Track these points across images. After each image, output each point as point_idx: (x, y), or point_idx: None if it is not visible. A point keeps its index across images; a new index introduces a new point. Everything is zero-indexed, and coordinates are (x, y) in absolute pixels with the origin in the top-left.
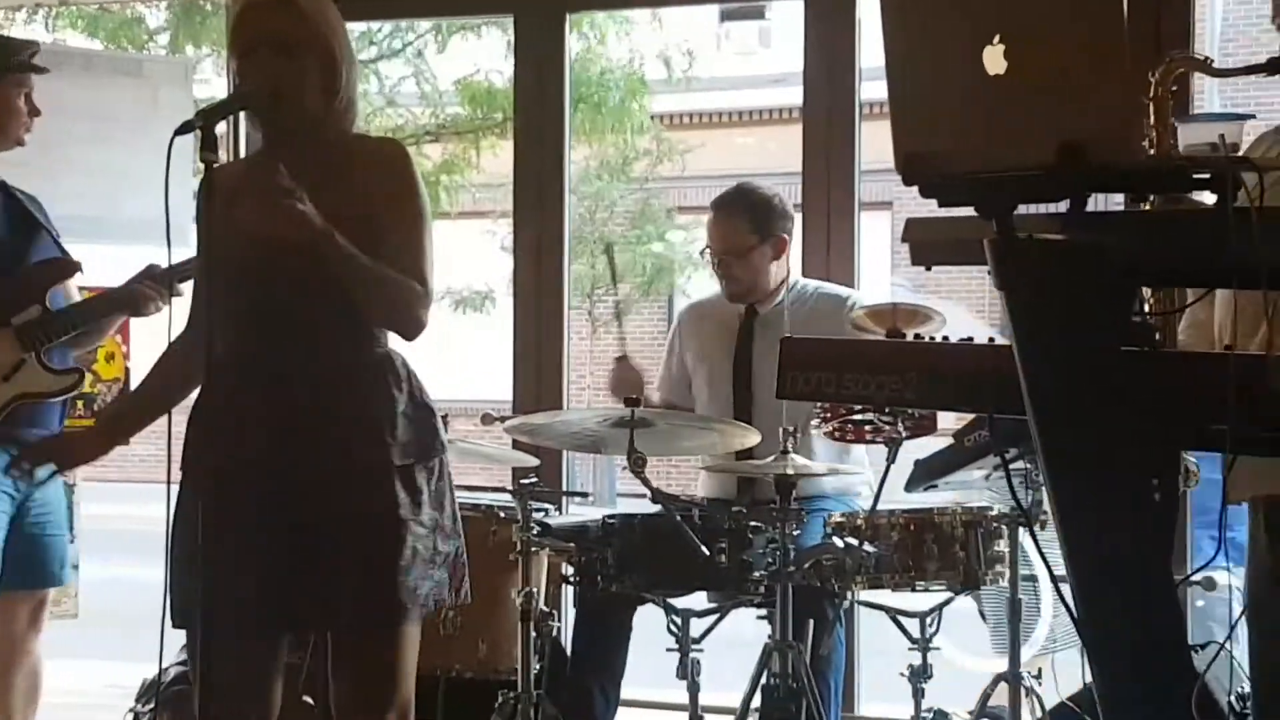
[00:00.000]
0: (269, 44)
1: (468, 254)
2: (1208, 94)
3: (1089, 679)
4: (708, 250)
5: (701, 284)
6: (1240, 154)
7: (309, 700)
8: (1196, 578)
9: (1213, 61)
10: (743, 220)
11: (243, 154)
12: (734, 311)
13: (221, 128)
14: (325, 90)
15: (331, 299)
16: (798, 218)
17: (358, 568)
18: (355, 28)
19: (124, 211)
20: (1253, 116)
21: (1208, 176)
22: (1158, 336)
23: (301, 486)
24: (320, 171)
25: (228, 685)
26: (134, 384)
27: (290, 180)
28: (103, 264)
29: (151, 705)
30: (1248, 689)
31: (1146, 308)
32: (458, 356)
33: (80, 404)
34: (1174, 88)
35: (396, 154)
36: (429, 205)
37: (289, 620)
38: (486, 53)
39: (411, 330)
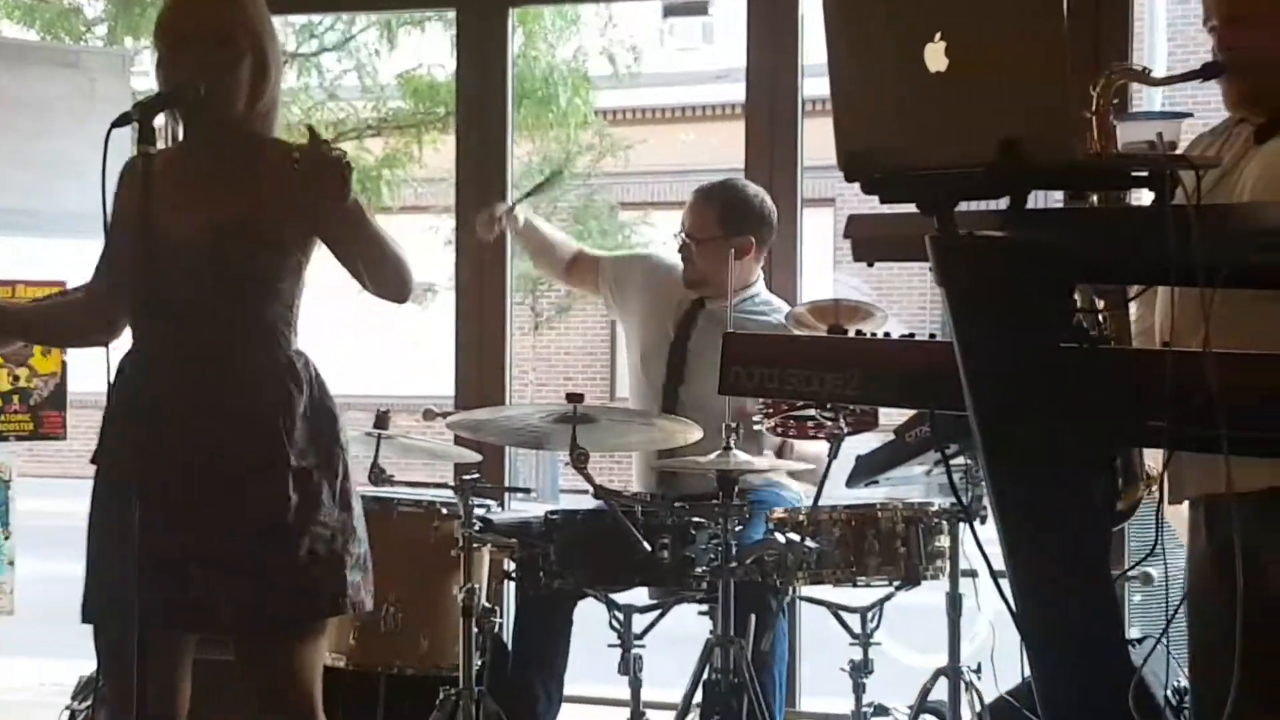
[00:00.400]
0: (204, 37)
1: (410, 249)
2: (1147, 91)
3: (1028, 673)
4: (680, 231)
5: None
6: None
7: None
8: (1134, 573)
9: (1150, 71)
10: (714, 210)
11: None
12: (685, 294)
13: (159, 120)
14: (254, 88)
15: (240, 299)
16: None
17: (251, 570)
18: (297, 20)
19: (60, 204)
20: (1190, 115)
21: (1146, 174)
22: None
23: (201, 486)
24: (247, 174)
25: (130, 683)
26: (70, 380)
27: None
28: (38, 256)
29: (88, 703)
30: (1184, 683)
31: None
32: (399, 352)
33: (17, 399)
34: (1115, 100)
35: (328, 155)
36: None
37: (186, 620)
38: (429, 47)
39: (406, 288)
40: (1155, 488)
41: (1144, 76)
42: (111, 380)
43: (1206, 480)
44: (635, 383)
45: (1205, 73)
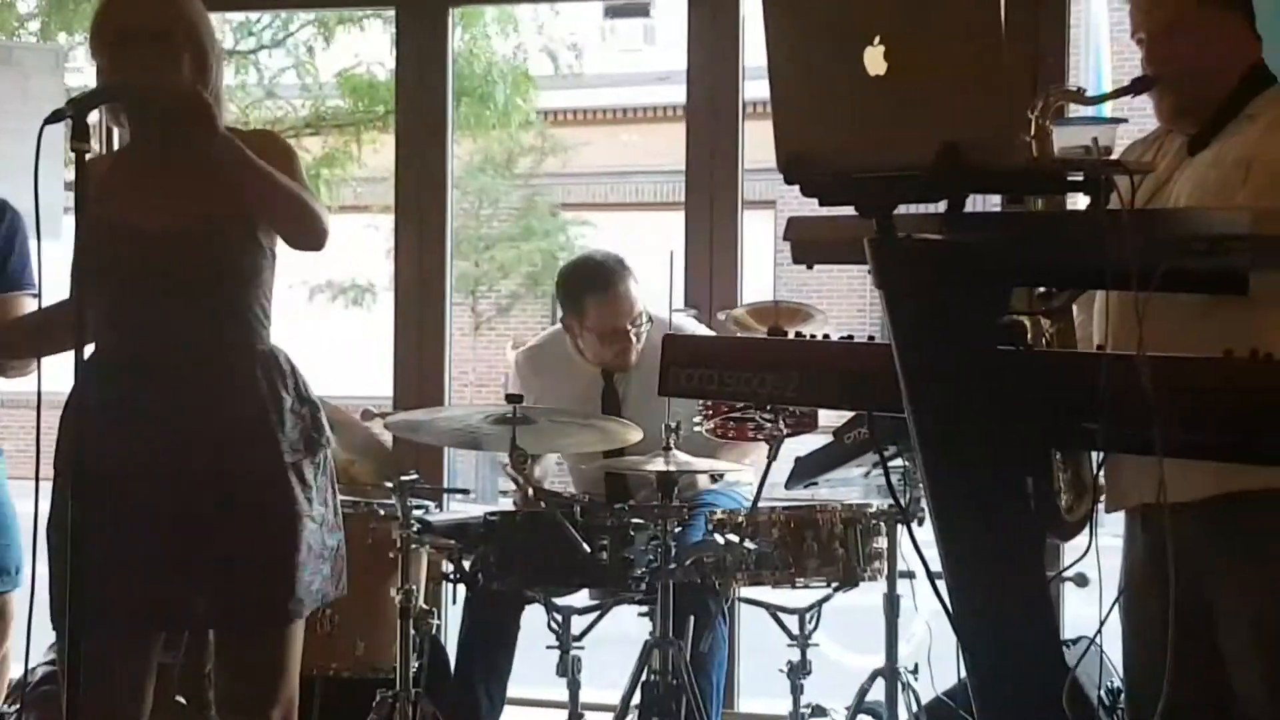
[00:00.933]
0: (144, 34)
1: (348, 249)
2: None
3: (964, 674)
4: (620, 329)
5: None
6: (1113, 157)
7: (182, 700)
8: (1069, 574)
9: (1085, 90)
10: (635, 284)
11: (115, 145)
12: (588, 370)
13: (94, 117)
14: (196, 83)
15: (212, 296)
16: (680, 215)
17: (254, 566)
18: (234, 17)
19: None
20: (1125, 120)
21: (1082, 179)
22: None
23: (190, 486)
24: (190, 167)
25: (103, 686)
26: None
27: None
28: None
29: (17, 706)
30: (1117, 683)
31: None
32: (338, 351)
33: None
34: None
35: (265, 140)
36: (304, 174)
37: (171, 619)
38: (368, 45)
39: (319, 237)
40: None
41: (1079, 96)
42: (74, 382)
43: (1147, 490)
44: None
45: (1135, 88)
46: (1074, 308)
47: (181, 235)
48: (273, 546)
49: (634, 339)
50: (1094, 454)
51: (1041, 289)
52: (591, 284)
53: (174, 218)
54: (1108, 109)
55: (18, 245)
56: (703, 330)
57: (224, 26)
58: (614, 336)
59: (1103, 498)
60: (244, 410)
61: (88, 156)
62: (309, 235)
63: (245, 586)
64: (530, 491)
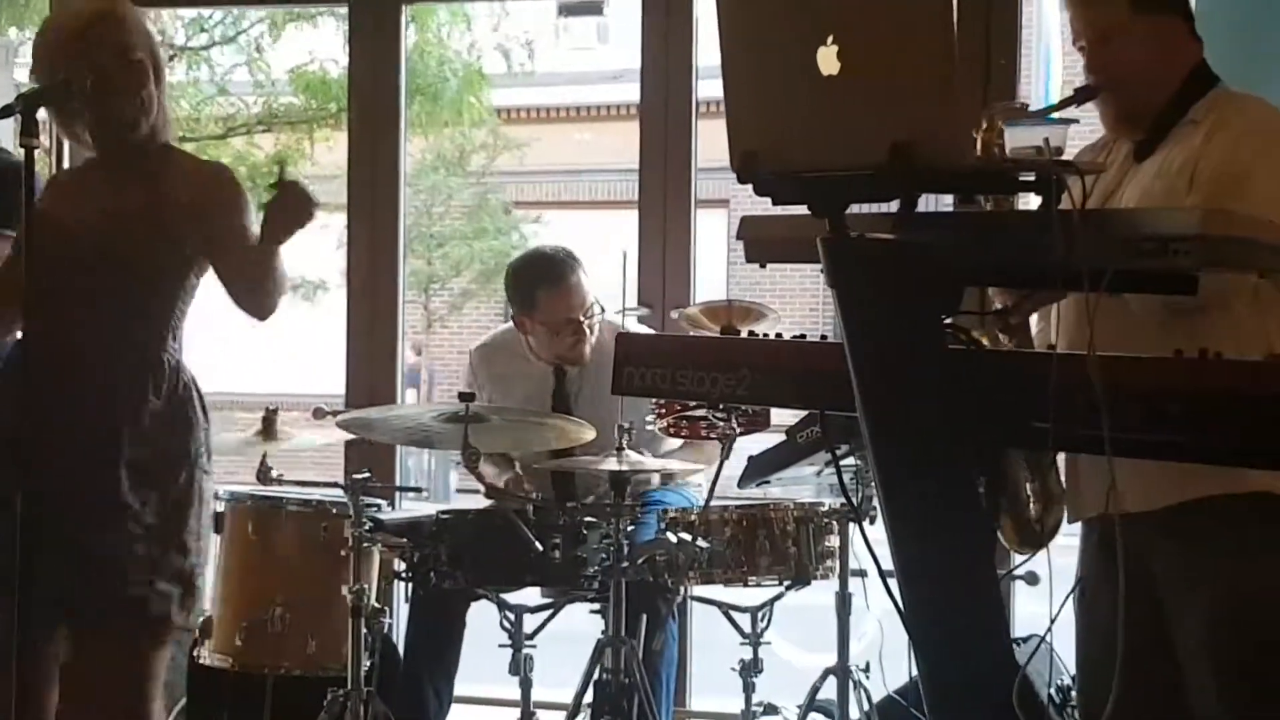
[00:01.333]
0: (108, 46)
1: (300, 246)
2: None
3: (915, 672)
4: (572, 321)
5: None
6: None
7: None
8: (1019, 572)
9: (1029, 105)
10: (585, 277)
11: (64, 142)
12: (540, 369)
13: (43, 113)
14: (150, 95)
15: (120, 295)
16: (634, 214)
17: (152, 568)
18: (186, 14)
19: None
20: (1076, 121)
21: (1033, 179)
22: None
23: (101, 485)
24: (146, 179)
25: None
26: None
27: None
28: None
29: None
30: (1067, 681)
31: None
32: (289, 349)
33: None
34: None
35: (224, 183)
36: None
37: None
38: (321, 42)
39: (272, 305)
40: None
41: (1022, 111)
42: None
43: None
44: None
45: (1079, 97)
46: (1033, 319)
47: (102, 234)
48: (169, 558)
49: (587, 330)
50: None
51: (999, 306)
52: (542, 277)
53: (102, 217)
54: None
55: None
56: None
57: (175, 23)
58: (566, 328)
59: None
60: (144, 420)
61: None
62: (259, 311)
63: (127, 590)
64: (483, 490)
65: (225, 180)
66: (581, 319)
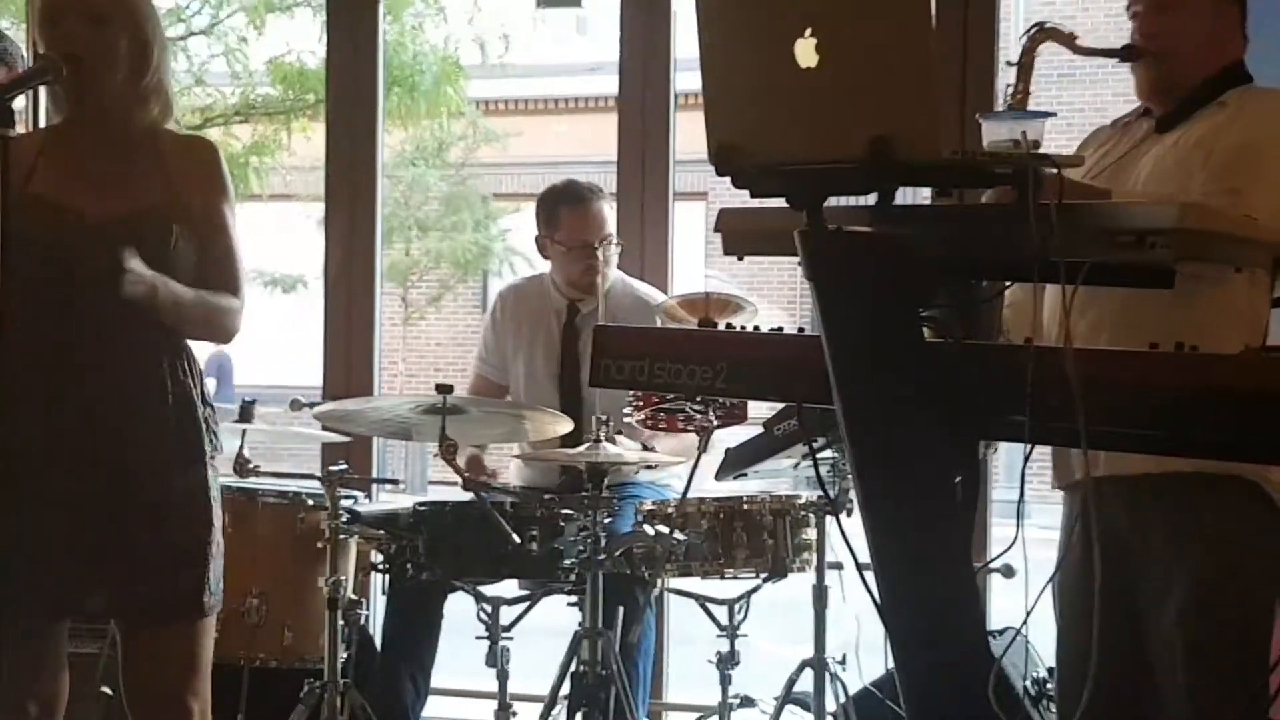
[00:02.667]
0: (78, 12)
1: (279, 237)
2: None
3: (892, 664)
4: (592, 244)
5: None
6: (1075, 151)
7: (107, 691)
8: (995, 565)
9: (1076, 38)
10: (607, 206)
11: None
12: (557, 304)
13: (20, 102)
14: (133, 69)
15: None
16: (612, 206)
17: (173, 558)
18: (163, 4)
19: None
20: (1054, 114)
21: (1010, 172)
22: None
23: (103, 474)
24: (126, 157)
25: (10, 671)
26: None
27: (135, 262)
28: None
29: None
30: (1042, 673)
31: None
32: (268, 341)
33: None
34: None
35: (207, 151)
36: (236, 203)
37: (81, 606)
38: (299, 33)
39: (227, 340)
40: (991, 451)
41: (1069, 41)
42: None
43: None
44: (523, 397)
45: (1125, 53)
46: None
47: (112, 224)
48: (193, 540)
49: (600, 259)
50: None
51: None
52: (568, 197)
53: (106, 205)
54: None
55: None
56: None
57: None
58: (581, 252)
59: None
60: (168, 403)
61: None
62: (217, 341)
63: (161, 578)
64: (460, 482)
65: (201, 155)
66: (596, 245)
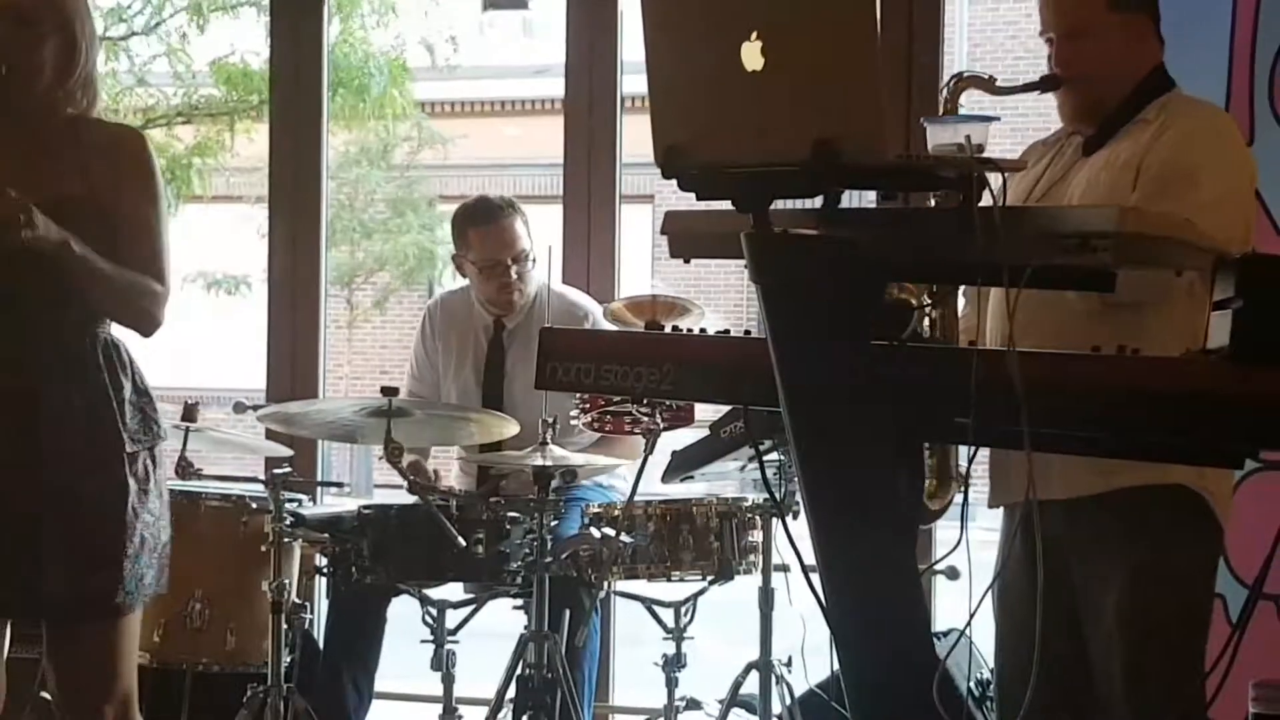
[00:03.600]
0: (4, 16)
1: (222, 239)
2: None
3: (837, 666)
4: (501, 264)
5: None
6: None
7: (46, 697)
8: (940, 566)
9: (996, 80)
10: (520, 223)
11: None
12: (484, 320)
13: None
14: (61, 68)
15: (54, 284)
16: (558, 209)
17: (85, 557)
18: (104, 3)
19: None
20: (998, 119)
21: (954, 176)
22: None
23: (22, 473)
24: (48, 150)
25: None
26: None
27: (19, 198)
28: None
29: None
30: (987, 675)
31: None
32: (209, 342)
33: None
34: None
35: (133, 141)
36: (165, 194)
37: (10, 607)
38: (242, 33)
39: (149, 329)
40: (960, 488)
41: (989, 85)
42: None
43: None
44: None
45: (1044, 85)
46: (960, 298)
47: (49, 216)
48: (105, 538)
49: (515, 276)
50: (966, 448)
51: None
52: (475, 217)
53: (43, 199)
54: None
55: None
56: (595, 310)
57: (94, 12)
58: (493, 271)
59: (984, 492)
60: (83, 397)
61: None
62: (139, 329)
63: (75, 578)
64: (406, 485)
65: (137, 145)
66: (509, 263)
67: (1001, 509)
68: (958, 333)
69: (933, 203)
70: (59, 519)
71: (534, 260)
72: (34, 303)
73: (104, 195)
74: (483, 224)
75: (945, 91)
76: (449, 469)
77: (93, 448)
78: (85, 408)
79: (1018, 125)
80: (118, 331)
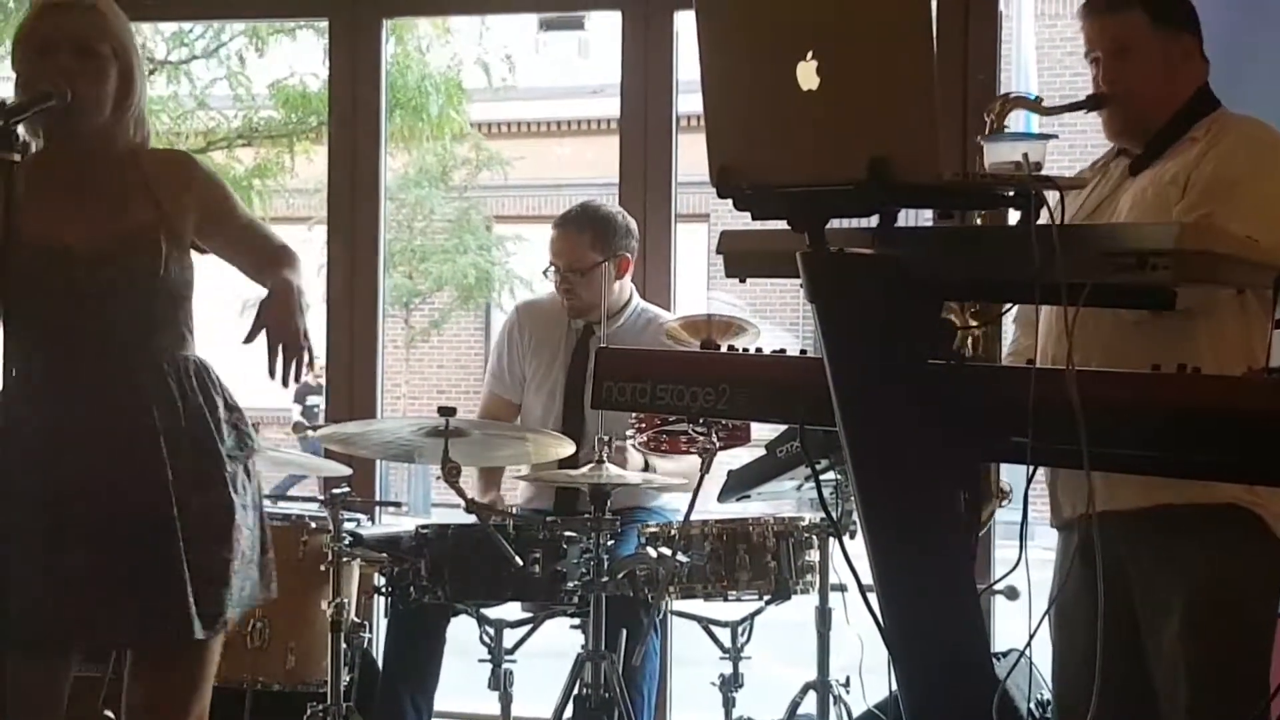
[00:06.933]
0: (71, 45)
1: None
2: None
3: (895, 687)
4: (551, 267)
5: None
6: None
7: (109, 715)
8: (999, 586)
9: (1042, 100)
10: (585, 237)
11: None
12: (571, 324)
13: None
14: (119, 100)
15: (137, 308)
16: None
17: (196, 580)
18: (166, 28)
19: None
20: (1055, 136)
21: (1012, 194)
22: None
23: (125, 501)
24: (114, 180)
25: (18, 705)
26: None
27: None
28: None
29: None
30: (1047, 695)
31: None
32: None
33: None
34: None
35: (183, 158)
36: (223, 180)
37: (94, 638)
38: (301, 56)
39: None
40: (1005, 502)
41: (1036, 105)
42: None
43: (1079, 502)
44: (532, 418)
45: (1090, 104)
46: (1012, 323)
47: (104, 251)
48: (214, 560)
49: (566, 282)
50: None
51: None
52: (557, 219)
53: (96, 233)
54: (1036, 124)
55: None
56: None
57: (156, 37)
58: (554, 274)
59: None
60: (180, 421)
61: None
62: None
63: (185, 603)
64: (463, 505)
65: (190, 161)
66: (563, 270)
67: (1058, 534)
68: (999, 353)
69: (979, 221)
70: (171, 545)
71: (594, 275)
72: (130, 332)
73: (175, 219)
74: (555, 226)
75: (991, 115)
76: (513, 487)
77: (197, 471)
78: (188, 432)
79: (1075, 143)
80: (211, 352)
